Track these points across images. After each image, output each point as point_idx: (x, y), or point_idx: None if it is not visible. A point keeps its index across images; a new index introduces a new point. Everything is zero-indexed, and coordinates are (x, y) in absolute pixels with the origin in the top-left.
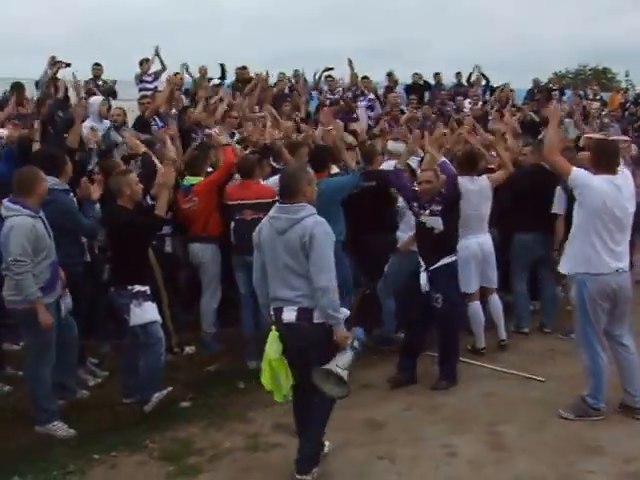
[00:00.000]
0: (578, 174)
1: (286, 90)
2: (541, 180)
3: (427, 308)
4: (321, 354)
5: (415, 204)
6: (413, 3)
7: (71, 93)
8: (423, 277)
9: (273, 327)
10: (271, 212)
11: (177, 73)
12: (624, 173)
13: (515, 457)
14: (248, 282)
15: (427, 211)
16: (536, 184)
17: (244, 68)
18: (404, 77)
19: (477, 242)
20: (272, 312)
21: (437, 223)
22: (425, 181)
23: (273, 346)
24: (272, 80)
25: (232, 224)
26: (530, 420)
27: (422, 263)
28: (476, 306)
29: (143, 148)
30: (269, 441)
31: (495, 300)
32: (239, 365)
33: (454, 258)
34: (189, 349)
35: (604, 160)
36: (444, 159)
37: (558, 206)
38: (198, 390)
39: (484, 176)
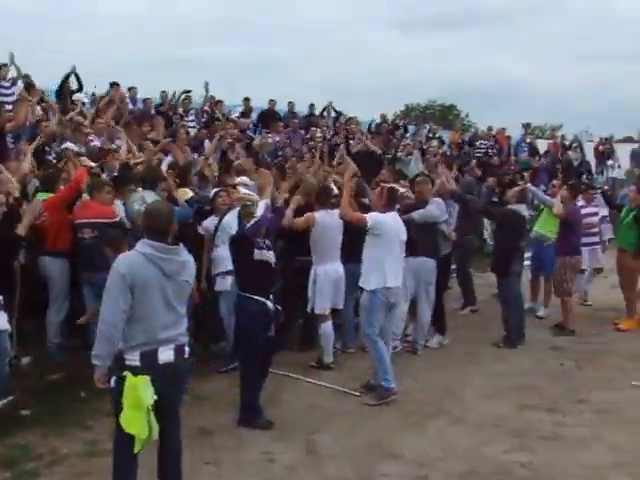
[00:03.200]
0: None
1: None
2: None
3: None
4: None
5: (259, 239)
6: (287, 26)
7: None
8: (270, 304)
9: (128, 373)
10: (150, 250)
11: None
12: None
13: (326, 462)
14: (95, 297)
15: (265, 246)
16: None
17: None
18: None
19: (333, 269)
20: (138, 356)
21: (272, 256)
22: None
23: (148, 390)
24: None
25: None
26: (343, 429)
27: (258, 297)
28: (329, 326)
29: None
30: (106, 447)
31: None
32: (81, 375)
33: None
34: (25, 359)
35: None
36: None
37: None
38: (40, 398)
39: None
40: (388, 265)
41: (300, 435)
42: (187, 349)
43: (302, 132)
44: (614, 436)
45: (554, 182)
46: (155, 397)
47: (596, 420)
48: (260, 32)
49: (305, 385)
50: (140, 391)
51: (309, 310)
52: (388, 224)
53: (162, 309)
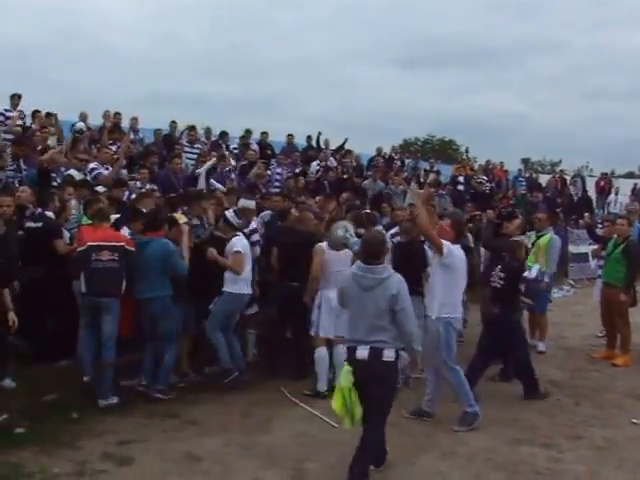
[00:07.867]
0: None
1: None
2: None
3: None
4: (383, 388)
5: None
6: (288, 61)
7: None
8: None
9: (346, 362)
10: (355, 270)
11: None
12: None
13: None
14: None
15: None
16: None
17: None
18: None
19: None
20: (346, 350)
21: None
22: None
23: (346, 377)
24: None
25: None
26: (333, 459)
27: None
28: (324, 351)
29: None
30: (95, 467)
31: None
32: (74, 396)
33: None
34: (8, 382)
35: None
36: None
37: None
38: (33, 418)
39: None
40: (456, 295)
41: (289, 463)
42: (385, 352)
43: (300, 164)
44: (613, 474)
45: (538, 215)
46: (349, 384)
47: (594, 457)
48: (259, 67)
49: (297, 413)
50: (341, 376)
51: (312, 333)
52: (458, 256)
53: (361, 316)
